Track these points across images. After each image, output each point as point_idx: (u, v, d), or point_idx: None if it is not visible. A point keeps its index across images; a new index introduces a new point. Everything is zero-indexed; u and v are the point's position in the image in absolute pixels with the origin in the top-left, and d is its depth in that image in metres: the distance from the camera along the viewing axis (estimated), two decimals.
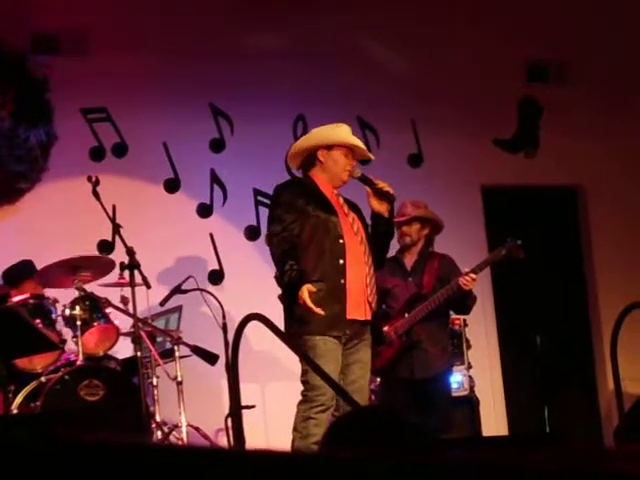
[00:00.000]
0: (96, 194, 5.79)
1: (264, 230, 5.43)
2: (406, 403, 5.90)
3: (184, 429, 6.33)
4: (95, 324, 6.26)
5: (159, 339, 6.73)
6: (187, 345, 6.43)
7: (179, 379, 6.42)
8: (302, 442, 4.95)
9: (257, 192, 7.73)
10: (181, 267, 7.27)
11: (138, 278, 5.72)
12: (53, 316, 6.22)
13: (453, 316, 6.62)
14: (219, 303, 6.48)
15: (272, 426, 7.19)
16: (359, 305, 5.10)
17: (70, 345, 6.31)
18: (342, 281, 5.06)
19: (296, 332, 5.01)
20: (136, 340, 5.63)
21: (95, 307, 6.27)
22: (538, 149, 8.56)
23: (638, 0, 8.35)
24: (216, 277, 7.65)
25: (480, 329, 7.78)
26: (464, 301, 6.02)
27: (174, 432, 6.37)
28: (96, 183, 5.82)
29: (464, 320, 7.01)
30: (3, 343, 5.27)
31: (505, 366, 8.24)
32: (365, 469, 1.04)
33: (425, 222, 6.18)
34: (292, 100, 7.84)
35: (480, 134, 8.30)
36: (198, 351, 6.40)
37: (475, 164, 8.30)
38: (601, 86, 8.59)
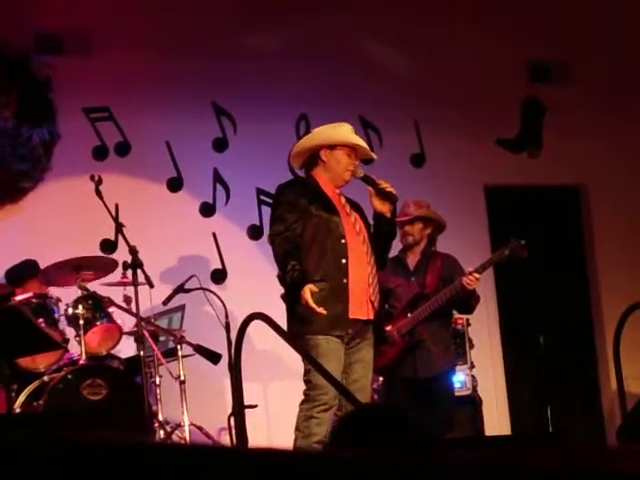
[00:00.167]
0: (99, 193, 5.80)
1: (267, 229, 5.43)
2: (409, 402, 5.90)
3: (187, 428, 6.33)
4: (98, 323, 6.27)
5: (162, 338, 6.73)
6: (190, 344, 6.43)
7: (182, 378, 6.42)
8: (304, 441, 4.95)
9: (260, 191, 7.74)
10: (184, 266, 7.28)
11: (141, 277, 5.72)
12: (56, 315, 6.23)
13: (456, 315, 6.62)
14: (222, 302, 6.49)
15: (274, 425, 7.19)
16: (361, 305, 5.10)
17: (73, 344, 6.31)
18: (344, 281, 5.06)
19: (298, 331, 5.01)
20: (139, 339, 5.63)
21: (98, 306, 6.28)
22: (541, 150, 8.55)
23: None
24: (219, 276, 7.65)
25: (483, 329, 7.78)
26: (467, 301, 6.02)
27: (177, 431, 6.37)
28: (99, 182, 5.82)
29: (467, 320, 7.01)
30: (6, 342, 5.28)
31: (508, 366, 8.23)
32: (368, 468, 1.04)
33: (428, 222, 6.18)
34: (295, 100, 7.84)
35: (482, 134, 8.30)
36: (201, 350, 6.40)
37: (478, 164, 8.29)
38: (603, 86, 8.59)
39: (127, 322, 6.40)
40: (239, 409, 4.57)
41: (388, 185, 5.24)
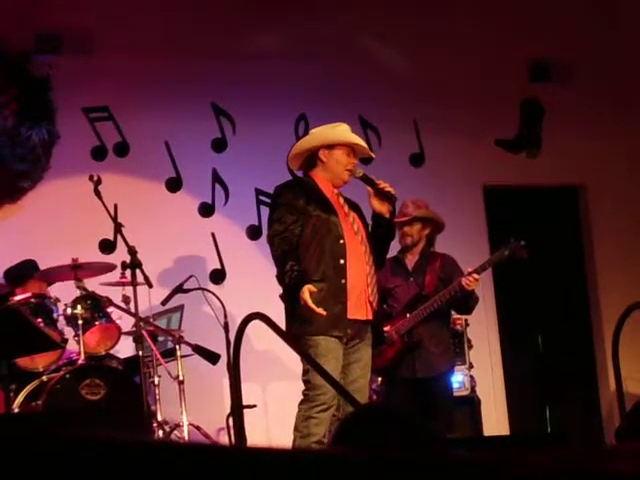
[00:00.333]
0: (98, 193, 5.79)
1: (266, 230, 5.42)
2: (408, 403, 5.90)
3: (185, 428, 6.33)
4: (97, 323, 6.27)
5: (161, 338, 6.73)
6: (189, 344, 6.43)
7: (181, 378, 6.42)
8: (303, 441, 4.95)
9: (259, 192, 7.74)
10: (183, 266, 7.28)
11: (140, 277, 5.72)
12: (55, 315, 6.22)
13: (455, 316, 6.62)
14: (221, 302, 6.49)
15: (273, 425, 7.20)
16: (360, 305, 5.10)
17: (72, 344, 6.31)
18: (343, 281, 5.06)
19: (297, 332, 5.01)
20: (138, 339, 5.63)
21: (97, 306, 6.27)
22: (540, 150, 8.55)
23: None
24: (218, 276, 7.65)
25: (482, 329, 7.78)
26: (466, 301, 6.02)
27: (175, 431, 6.38)
28: (98, 182, 5.82)
29: (466, 320, 7.01)
30: (5, 342, 5.28)
31: (506, 366, 8.23)
32: (367, 468, 1.04)
33: (426, 222, 6.18)
34: (294, 100, 7.84)
35: (482, 134, 8.30)
36: (200, 350, 6.40)
37: (477, 163, 8.29)
38: (603, 85, 8.59)
39: (126, 322, 6.39)
40: (238, 409, 4.56)
41: (387, 185, 5.24)
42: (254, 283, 7.24)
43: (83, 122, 7.42)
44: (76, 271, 6.29)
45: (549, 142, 8.55)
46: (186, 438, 6.31)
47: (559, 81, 8.56)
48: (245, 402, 4.72)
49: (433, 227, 6.21)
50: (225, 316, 6.39)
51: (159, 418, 6.30)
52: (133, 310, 5.76)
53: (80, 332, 6.12)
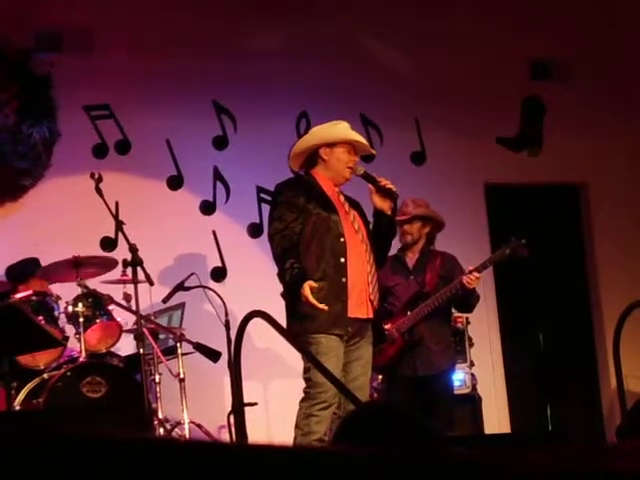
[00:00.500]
0: (99, 191, 5.79)
1: (267, 227, 5.42)
2: (408, 401, 5.90)
3: (186, 426, 6.33)
4: (98, 321, 6.27)
5: (162, 336, 6.73)
6: (190, 342, 6.44)
7: (182, 376, 6.42)
8: (304, 439, 4.95)
9: (260, 189, 7.74)
10: (184, 264, 7.28)
11: (141, 275, 5.72)
12: (56, 313, 6.23)
13: (456, 314, 6.62)
14: (222, 300, 6.49)
15: (274, 423, 7.20)
16: (361, 303, 5.10)
17: (73, 342, 6.31)
18: (343, 280, 5.06)
19: (298, 330, 5.01)
20: (139, 337, 5.63)
21: (98, 304, 6.28)
22: (542, 148, 8.54)
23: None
24: (219, 274, 7.65)
25: (482, 327, 7.78)
26: (467, 300, 6.02)
27: (176, 429, 6.38)
28: (99, 180, 5.82)
29: (467, 318, 7.00)
30: (6, 340, 5.28)
31: (507, 364, 8.23)
32: (368, 466, 1.04)
33: (426, 220, 6.18)
34: (295, 98, 7.84)
35: (483, 132, 8.30)
36: (201, 348, 6.40)
37: (478, 162, 8.29)
38: (604, 84, 8.59)
39: (127, 320, 6.40)
40: (239, 407, 4.56)
41: (388, 182, 5.24)
42: (255, 281, 7.24)
43: (84, 120, 7.42)
44: (77, 268, 6.29)
45: (550, 141, 8.54)
46: (187, 436, 6.32)
47: (560, 80, 8.55)
48: (246, 400, 4.71)
49: (433, 225, 6.21)
50: (226, 314, 6.39)
51: (160, 416, 6.30)
52: (134, 308, 5.76)
53: (81, 330, 6.13)
